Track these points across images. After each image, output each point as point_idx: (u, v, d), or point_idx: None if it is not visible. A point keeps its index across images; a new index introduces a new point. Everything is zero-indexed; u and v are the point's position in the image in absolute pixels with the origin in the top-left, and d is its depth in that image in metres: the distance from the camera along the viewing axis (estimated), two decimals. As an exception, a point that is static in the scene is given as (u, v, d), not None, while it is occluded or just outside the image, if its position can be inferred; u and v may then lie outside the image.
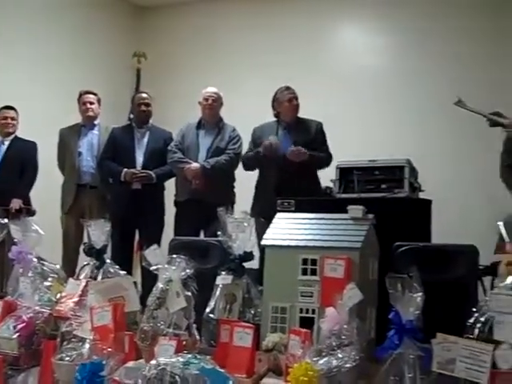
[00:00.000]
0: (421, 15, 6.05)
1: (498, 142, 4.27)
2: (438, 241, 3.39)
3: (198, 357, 1.85)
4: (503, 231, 2.17)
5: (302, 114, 4.72)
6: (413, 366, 1.80)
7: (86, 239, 3.08)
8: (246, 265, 2.63)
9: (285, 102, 4.60)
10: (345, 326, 1.99)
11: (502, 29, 5.65)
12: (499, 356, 1.67)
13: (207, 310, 2.50)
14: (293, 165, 4.35)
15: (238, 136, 4.86)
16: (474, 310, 2.10)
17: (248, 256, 2.57)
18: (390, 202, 3.41)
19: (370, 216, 2.46)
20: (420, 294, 1.86)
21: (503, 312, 1.83)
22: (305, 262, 2.37)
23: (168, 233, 4.78)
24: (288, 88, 4.64)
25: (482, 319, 2.03)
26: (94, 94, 5.34)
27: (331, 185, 3.89)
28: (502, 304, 1.84)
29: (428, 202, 3.50)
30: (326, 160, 4.51)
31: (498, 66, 5.53)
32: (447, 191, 5.06)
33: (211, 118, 4.88)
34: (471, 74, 5.67)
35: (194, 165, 4.68)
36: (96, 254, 2.76)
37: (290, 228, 2.53)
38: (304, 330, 2.02)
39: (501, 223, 2.22)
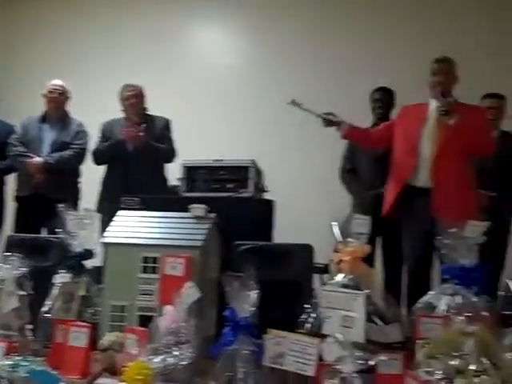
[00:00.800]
0: (275, 15, 6.24)
1: (340, 145, 4.49)
2: (281, 240, 3.51)
3: (29, 359, 1.80)
4: (336, 231, 2.28)
5: (156, 112, 4.70)
6: (246, 362, 1.85)
7: None
8: (90, 263, 2.58)
9: (125, 100, 4.59)
10: (183, 324, 2.01)
11: (353, 28, 5.98)
12: (325, 349, 1.75)
13: (44, 309, 2.43)
14: (140, 161, 4.32)
15: (84, 131, 4.74)
16: (307, 306, 2.21)
17: (88, 254, 2.52)
18: (235, 202, 3.47)
19: (212, 215, 2.51)
20: (255, 291, 1.92)
21: (331, 307, 1.93)
22: (145, 260, 2.38)
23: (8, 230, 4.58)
24: (129, 86, 4.62)
25: (314, 315, 2.15)
26: None
27: (178, 183, 3.89)
28: (330, 300, 1.94)
29: (271, 203, 3.61)
30: (168, 152, 4.51)
31: (351, 65, 5.83)
32: (291, 192, 5.25)
33: (56, 111, 4.72)
34: (319, 74, 5.94)
35: (37, 159, 4.50)
36: None
37: (131, 226, 2.53)
38: (140, 329, 2.02)
39: (334, 223, 2.33)
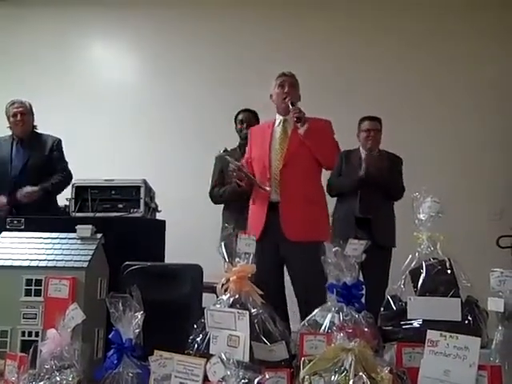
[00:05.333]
0: (167, 31, 6.35)
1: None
2: (172, 260, 3.48)
3: None
4: (224, 251, 2.29)
5: (47, 130, 4.56)
6: (131, 384, 1.83)
7: None
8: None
9: (10, 117, 4.45)
10: (66, 348, 1.96)
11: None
12: (209, 369, 1.76)
13: None
14: (27, 182, 4.19)
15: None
16: (195, 326, 2.21)
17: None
18: (126, 222, 3.43)
19: (99, 235, 2.47)
20: (140, 312, 1.90)
21: (218, 327, 1.95)
22: (29, 282, 2.31)
23: None
24: (13, 103, 4.45)
25: (201, 335, 2.15)
26: None
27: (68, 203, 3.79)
28: (216, 319, 1.96)
29: (162, 223, 3.59)
30: (63, 181, 4.31)
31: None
32: (184, 212, 5.26)
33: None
34: (214, 90, 6.03)
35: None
36: None
37: (14, 247, 2.45)
38: (20, 354, 1.95)
39: (222, 243, 2.34)
